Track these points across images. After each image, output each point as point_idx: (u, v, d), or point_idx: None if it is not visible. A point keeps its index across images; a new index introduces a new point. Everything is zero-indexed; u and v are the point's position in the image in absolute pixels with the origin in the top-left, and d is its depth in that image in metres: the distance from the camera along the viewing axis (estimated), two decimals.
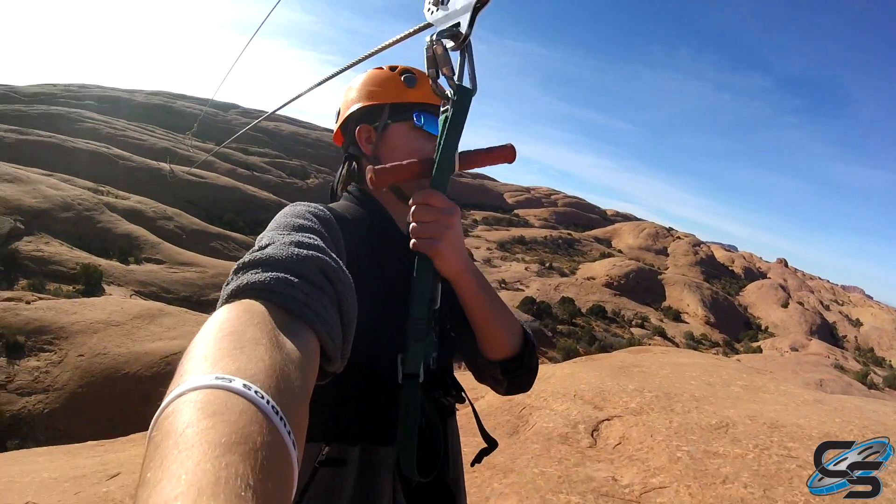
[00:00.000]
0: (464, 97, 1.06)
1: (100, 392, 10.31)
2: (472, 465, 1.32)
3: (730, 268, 65.52)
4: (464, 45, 1.06)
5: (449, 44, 1.06)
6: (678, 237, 64.68)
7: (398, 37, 1.36)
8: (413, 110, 1.27)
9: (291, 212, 1.03)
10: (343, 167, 1.35)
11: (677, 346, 31.12)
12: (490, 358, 1.28)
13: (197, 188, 33.43)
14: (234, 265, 0.79)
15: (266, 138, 58.17)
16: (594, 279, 41.57)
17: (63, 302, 12.59)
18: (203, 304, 17.07)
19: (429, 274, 1.09)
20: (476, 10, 1.02)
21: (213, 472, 0.41)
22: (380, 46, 1.47)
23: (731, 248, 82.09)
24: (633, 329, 32.84)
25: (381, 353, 1.09)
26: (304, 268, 0.79)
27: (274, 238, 0.87)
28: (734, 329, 42.27)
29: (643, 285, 43.18)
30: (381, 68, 1.34)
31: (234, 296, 0.73)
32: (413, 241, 1.08)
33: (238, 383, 0.51)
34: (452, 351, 1.31)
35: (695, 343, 33.39)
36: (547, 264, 43.27)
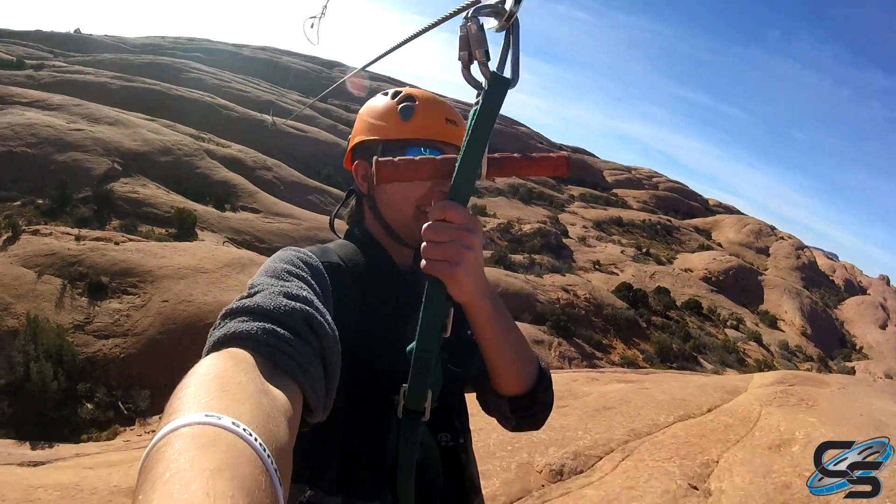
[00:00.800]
0: (498, 88, 0.91)
1: (180, 340, 9.51)
2: None
3: (830, 277, 60.29)
4: (509, 24, 0.90)
5: (491, 23, 0.91)
6: (781, 237, 60.13)
7: (438, 20, 1.15)
8: (408, 146, 1.21)
9: (282, 257, 1.05)
10: (349, 200, 1.37)
11: (772, 354, 29.24)
12: (499, 392, 1.25)
13: (298, 141, 32.92)
14: (223, 310, 0.83)
15: (368, 96, 56.85)
16: (691, 271, 39.20)
17: (153, 245, 11.92)
18: None
19: (440, 300, 1.02)
20: None
21: (203, 491, 0.43)
22: (428, 26, 1.21)
23: (832, 256, 75.92)
24: (727, 330, 30.46)
25: (364, 404, 1.09)
26: (290, 319, 0.82)
27: (263, 285, 0.91)
28: (829, 344, 38.79)
29: (741, 284, 40.37)
30: (386, 93, 1.31)
31: (221, 344, 0.77)
32: (424, 262, 1.00)
33: (227, 420, 0.54)
34: (455, 386, 1.27)
35: (789, 354, 30.91)
36: (644, 249, 41.05)
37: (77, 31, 55.32)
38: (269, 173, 23.00)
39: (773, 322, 37.41)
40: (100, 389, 8.87)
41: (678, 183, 76.59)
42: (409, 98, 1.26)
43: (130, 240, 12.13)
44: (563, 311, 18.73)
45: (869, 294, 59.40)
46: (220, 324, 0.81)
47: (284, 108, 39.76)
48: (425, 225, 0.99)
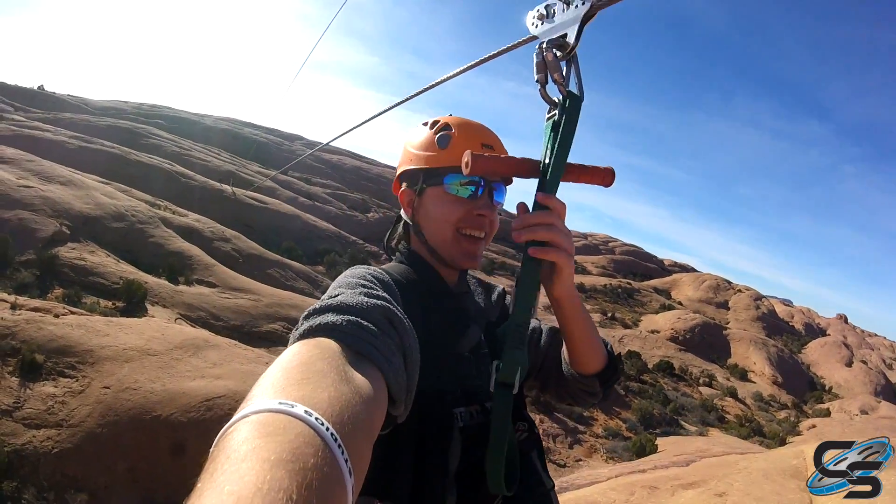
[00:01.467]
0: (576, 103, 1.10)
1: (123, 435, 8.19)
2: None
3: (790, 323, 62.16)
4: (570, 55, 1.11)
5: (557, 53, 1.11)
6: (739, 290, 61.82)
7: (500, 50, 1.58)
8: (447, 174, 1.30)
9: (353, 273, 1.13)
10: (399, 227, 1.50)
11: (748, 407, 29.50)
12: (587, 372, 1.39)
13: (257, 213, 31.90)
14: (306, 310, 0.87)
15: (329, 170, 57.09)
16: (658, 332, 39.38)
17: (97, 320, 10.60)
18: (254, 336, 15.01)
19: (535, 280, 1.14)
20: (584, 22, 1.07)
21: (256, 483, 0.43)
22: (477, 61, 1.74)
23: (787, 303, 77.94)
24: (701, 388, 30.65)
25: (430, 413, 1.11)
26: (372, 315, 0.87)
27: (342, 291, 0.97)
28: (799, 389, 39.77)
29: (708, 340, 40.75)
30: (426, 123, 1.40)
31: (307, 335, 0.80)
32: (532, 247, 1.13)
33: (300, 409, 0.55)
34: (525, 380, 1.29)
35: (765, 405, 31.57)
36: (609, 314, 41.25)
37: (41, 87, 54.21)
38: (228, 245, 21.87)
39: (743, 374, 37.74)
40: (28, 490, 7.51)
41: (634, 246, 77.99)
42: (446, 127, 1.34)
43: (72, 312, 10.79)
44: None
45: (829, 334, 61.05)
46: (303, 322, 0.84)
47: (245, 178, 38.91)
48: (532, 210, 1.16)
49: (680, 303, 56.30)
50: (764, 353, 42.37)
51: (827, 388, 44.35)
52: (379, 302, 0.91)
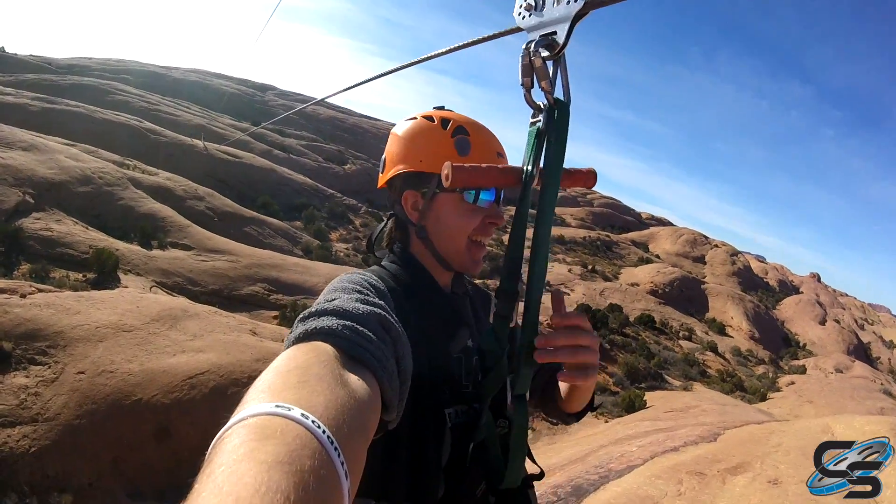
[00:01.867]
0: (564, 110, 1.08)
1: (103, 424, 7.62)
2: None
3: (765, 279, 62.94)
4: (557, 56, 1.05)
5: (543, 53, 1.05)
6: (715, 245, 62.20)
7: (485, 36, 1.51)
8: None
9: (349, 279, 1.12)
10: (389, 223, 1.41)
11: (728, 362, 29.70)
12: (571, 412, 1.47)
13: (231, 167, 30.91)
14: (301, 314, 0.88)
15: (303, 121, 55.68)
16: (638, 285, 39.29)
17: (66, 296, 9.91)
18: (234, 299, 14.47)
19: (539, 301, 1.11)
20: (575, 21, 1.01)
21: (254, 485, 0.43)
22: (461, 44, 1.66)
23: (761, 259, 79.11)
24: (681, 342, 30.58)
25: (424, 413, 1.13)
26: (368, 321, 0.87)
27: (338, 296, 0.97)
28: (775, 345, 40.03)
29: (687, 294, 40.69)
30: (431, 120, 1.30)
31: (303, 339, 0.80)
32: (566, 369, 1.15)
33: (296, 412, 0.55)
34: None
35: (743, 360, 31.77)
36: (590, 267, 40.81)
37: (1, 49, 51.65)
38: (202, 203, 21.09)
39: (721, 329, 37.91)
40: (9, 496, 6.91)
41: (612, 199, 77.87)
42: (462, 130, 1.27)
43: (40, 290, 10.09)
44: None
45: (802, 292, 62.23)
46: (298, 325, 0.84)
47: (217, 132, 37.73)
48: (563, 330, 1.11)
49: (658, 256, 56.32)
50: (741, 308, 42.66)
51: (801, 344, 45.08)
52: (374, 309, 0.91)
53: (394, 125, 1.37)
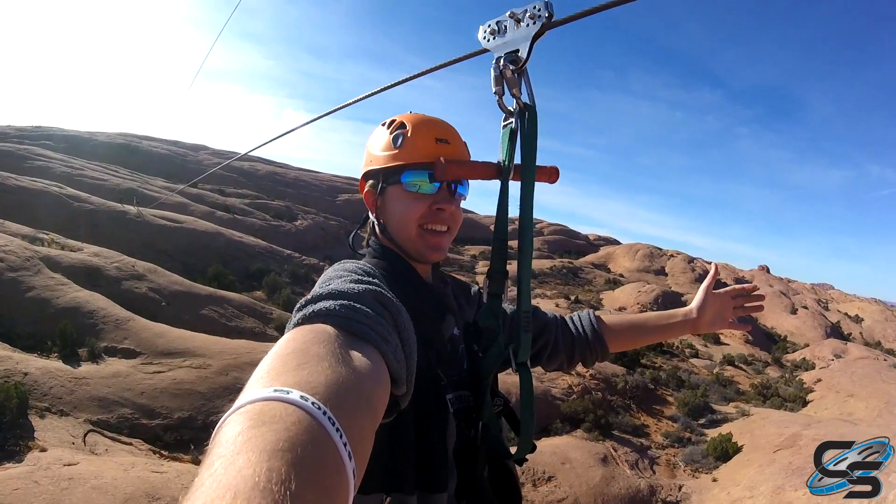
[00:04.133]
0: (533, 113, 1.21)
1: None
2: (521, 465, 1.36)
3: (722, 280, 61.03)
4: (521, 69, 1.19)
5: (511, 67, 1.19)
6: (671, 255, 60.73)
7: (452, 59, 1.61)
8: (403, 171, 1.30)
9: (340, 266, 1.13)
10: (366, 224, 1.48)
11: (745, 372, 27.41)
12: (613, 351, 1.77)
13: (172, 235, 25.41)
14: (298, 302, 0.84)
15: (242, 178, 50.29)
16: (625, 308, 36.85)
17: None
18: (213, 429, 9.24)
19: (529, 275, 1.26)
20: (535, 40, 1.14)
21: (253, 476, 0.41)
22: (428, 69, 1.80)
23: (707, 262, 78.69)
24: (692, 360, 27.64)
25: (427, 399, 1.11)
26: (364, 298, 0.85)
27: (332, 281, 0.95)
28: (762, 343, 37.99)
29: (671, 309, 37.86)
30: (384, 123, 1.38)
31: (300, 324, 0.77)
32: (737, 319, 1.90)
33: (295, 395, 0.53)
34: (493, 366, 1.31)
35: (755, 367, 29.58)
36: (572, 298, 37.33)
37: None
38: (143, 283, 15.69)
39: (716, 338, 35.31)
40: None
41: (560, 225, 75.47)
42: (401, 125, 1.33)
43: None
44: (592, 403, 14.34)
45: (756, 284, 59.80)
46: (297, 312, 0.81)
47: (150, 195, 31.96)
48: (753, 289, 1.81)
49: (621, 275, 53.83)
50: None
51: (782, 337, 42.93)
52: (369, 286, 0.88)
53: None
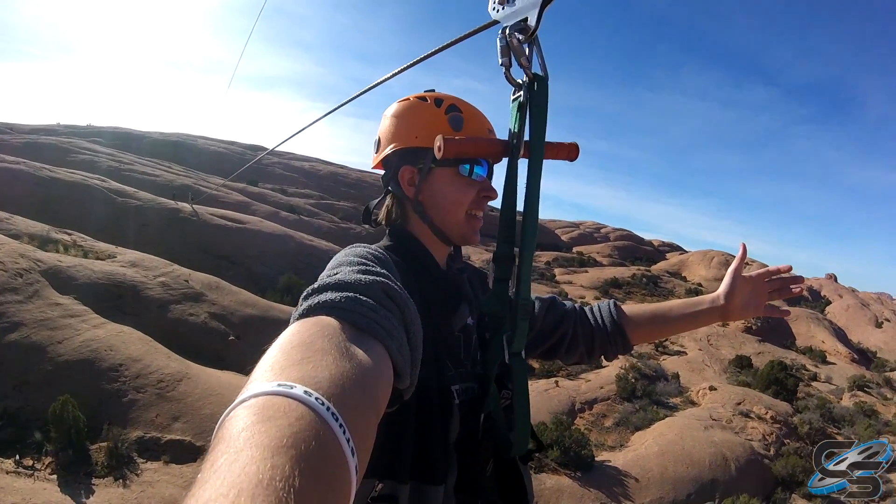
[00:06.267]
0: (543, 84, 1.09)
1: None
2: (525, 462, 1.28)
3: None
4: (532, 38, 1.08)
5: (519, 36, 1.08)
6: (747, 263, 52.77)
7: (462, 35, 1.45)
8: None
9: (351, 252, 1.04)
10: (386, 199, 1.32)
11: (878, 397, 22.80)
12: (635, 343, 1.57)
13: (234, 237, 20.23)
14: (304, 291, 0.80)
15: (303, 178, 45.58)
16: (727, 325, 30.66)
17: None
18: None
19: (531, 259, 1.13)
20: (544, 5, 1.04)
21: (257, 474, 0.40)
22: (440, 47, 1.62)
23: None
24: (814, 383, 23.50)
25: (429, 389, 1.06)
26: (371, 290, 0.80)
27: (340, 270, 0.89)
28: (861, 362, 32.94)
29: (771, 324, 32.83)
30: (424, 99, 1.25)
31: (306, 315, 0.73)
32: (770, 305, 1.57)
33: (299, 390, 0.51)
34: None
35: (877, 390, 24.29)
36: None
37: None
38: (201, 307, 10.25)
39: (823, 357, 30.82)
40: None
41: (625, 230, 70.75)
42: (454, 107, 1.23)
43: None
44: (799, 456, 11.57)
45: (824, 296, 55.12)
46: (303, 301, 0.77)
47: (210, 194, 26.91)
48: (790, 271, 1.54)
49: (700, 284, 47.92)
50: (825, 328, 35.82)
51: (873, 353, 36.75)
52: (378, 278, 0.84)
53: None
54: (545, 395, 13.58)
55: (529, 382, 12.68)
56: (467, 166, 1.20)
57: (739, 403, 14.78)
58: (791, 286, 1.61)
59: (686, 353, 24.61)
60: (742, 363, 22.19)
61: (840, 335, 36.37)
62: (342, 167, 56.19)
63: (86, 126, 48.81)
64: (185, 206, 21.45)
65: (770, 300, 1.62)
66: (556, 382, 15.27)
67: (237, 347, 9.42)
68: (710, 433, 11.67)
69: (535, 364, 18.53)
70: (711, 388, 16.36)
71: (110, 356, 6.97)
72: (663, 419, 12.85)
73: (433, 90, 1.28)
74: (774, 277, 1.62)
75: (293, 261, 20.91)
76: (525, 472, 1.26)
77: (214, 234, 19.77)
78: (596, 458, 9.91)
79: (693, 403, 15.73)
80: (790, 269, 1.62)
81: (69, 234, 11.57)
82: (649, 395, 14.91)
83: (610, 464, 9.92)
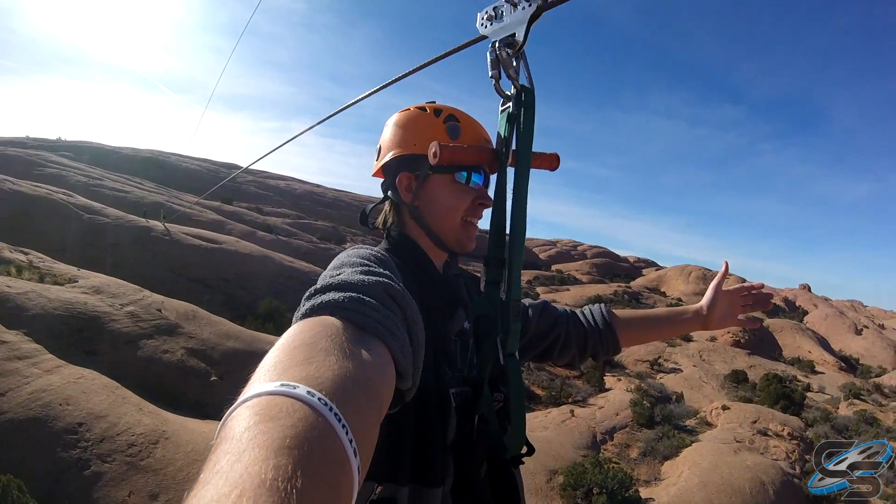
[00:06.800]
0: (531, 95, 1.13)
1: None
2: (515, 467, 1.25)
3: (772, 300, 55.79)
4: (519, 52, 1.12)
5: (507, 50, 1.12)
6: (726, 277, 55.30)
7: (451, 49, 1.53)
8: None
9: (353, 253, 1.04)
10: (384, 204, 1.33)
11: (873, 403, 23.21)
12: (623, 347, 1.61)
13: (209, 258, 18.68)
14: (307, 292, 0.78)
15: (278, 196, 44.01)
16: (715, 339, 31.58)
17: None
18: None
19: (520, 262, 1.14)
20: (531, 21, 1.08)
21: (259, 474, 0.40)
22: (428, 61, 1.68)
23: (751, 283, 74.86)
24: (809, 394, 22.87)
25: (428, 391, 1.05)
26: (374, 290, 0.80)
27: (342, 270, 0.90)
28: (847, 370, 33.65)
29: (758, 336, 33.29)
30: (423, 109, 1.29)
31: (308, 315, 0.72)
32: (744, 317, 1.72)
33: (302, 390, 0.50)
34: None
35: (868, 397, 24.98)
36: None
37: None
38: (178, 341, 8.77)
39: (812, 367, 31.48)
40: None
41: (601, 247, 71.52)
42: (452, 117, 1.25)
43: None
44: None
45: (799, 306, 56.53)
46: (305, 301, 0.76)
47: (183, 212, 25.25)
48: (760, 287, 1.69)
49: (680, 299, 48.79)
50: (810, 338, 37.07)
51: (856, 360, 38.64)
52: (380, 279, 0.84)
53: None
54: (564, 428, 12.99)
55: (543, 413, 13.39)
56: (464, 174, 1.21)
57: (755, 422, 14.55)
58: (761, 300, 1.75)
59: (682, 370, 24.13)
60: (738, 378, 22.05)
61: (824, 344, 37.09)
62: (318, 186, 54.80)
63: (56, 139, 46.67)
64: (157, 224, 19.87)
65: (743, 312, 1.73)
66: (572, 412, 14.55)
67: (220, 390, 7.97)
68: (742, 457, 11.30)
69: (540, 392, 17.70)
70: (724, 408, 16.04)
71: (67, 412, 5.52)
72: (689, 445, 12.54)
73: (433, 102, 1.29)
74: (751, 293, 1.74)
75: (273, 283, 19.41)
76: (517, 475, 1.22)
77: (188, 254, 18.22)
78: (641, 497, 9.55)
79: (708, 424, 15.43)
80: (763, 286, 1.75)
81: (25, 254, 10.03)
82: (668, 420, 14.50)
83: (654, 502, 9.54)
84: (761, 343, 32.74)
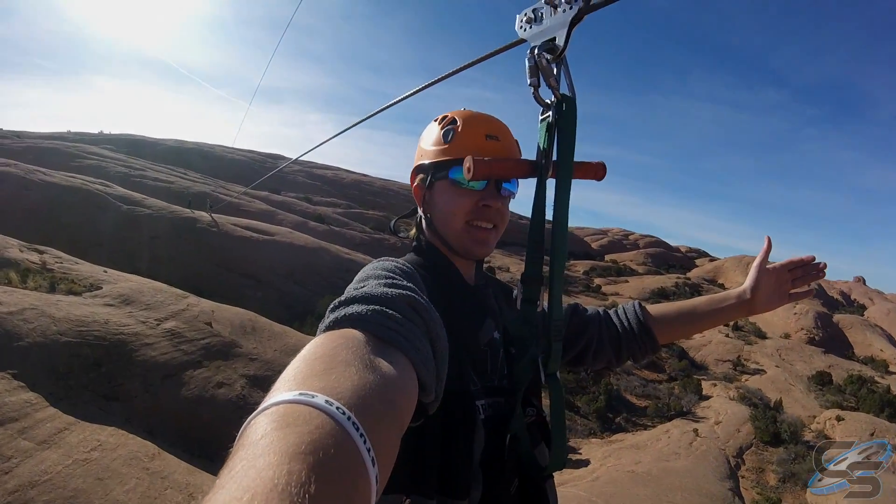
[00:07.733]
0: (571, 104, 1.07)
1: None
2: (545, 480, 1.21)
3: (829, 294, 51.70)
4: (560, 58, 1.06)
5: (547, 56, 1.05)
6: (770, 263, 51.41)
7: (489, 53, 1.51)
8: (450, 166, 1.18)
9: (378, 265, 1.02)
10: (415, 215, 1.32)
11: None
12: (663, 343, 1.48)
13: (260, 251, 16.47)
14: (331, 304, 0.78)
15: (326, 186, 42.00)
16: (789, 336, 29.48)
17: None
18: None
19: (561, 280, 1.09)
20: (572, 25, 1.02)
21: (272, 479, 0.40)
22: (468, 63, 1.68)
23: None
24: None
25: (454, 403, 1.02)
26: (397, 303, 0.79)
27: (367, 283, 0.88)
28: None
29: (830, 333, 30.81)
30: (437, 119, 1.26)
31: (332, 327, 0.73)
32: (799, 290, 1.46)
33: (320, 399, 0.50)
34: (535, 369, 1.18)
35: None
36: (730, 324, 28.41)
37: None
38: (236, 367, 6.43)
39: (885, 367, 28.17)
40: None
41: (653, 237, 68.05)
42: (452, 121, 1.21)
43: None
44: None
45: (855, 300, 52.37)
46: (329, 313, 0.76)
47: (231, 202, 23.15)
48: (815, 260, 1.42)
49: None
50: (880, 336, 33.60)
51: None
52: (403, 291, 0.82)
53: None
54: (695, 453, 11.98)
55: (661, 430, 13.87)
56: (462, 178, 1.16)
57: (872, 434, 13.85)
58: (813, 272, 1.54)
59: (765, 371, 22.71)
60: (823, 380, 21.20)
61: (893, 342, 33.60)
62: (364, 175, 52.67)
63: (97, 133, 45.40)
64: (203, 214, 17.75)
65: (793, 289, 1.52)
66: (696, 431, 13.59)
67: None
68: (889, 479, 9.61)
69: (636, 400, 16.11)
70: (839, 419, 15.29)
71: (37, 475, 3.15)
72: (825, 469, 11.10)
73: (464, 109, 1.26)
74: (797, 266, 1.54)
75: (330, 278, 17.12)
76: (550, 489, 1.19)
77: (237, 247, 16.03)
78: None
79: (826, 437, 14.35)
80: (813, 258, 1.53)
81: (39, 252, 7.81)
82: (795, 438, 13.79)
83: None
84: (833, 340, 30.30)
